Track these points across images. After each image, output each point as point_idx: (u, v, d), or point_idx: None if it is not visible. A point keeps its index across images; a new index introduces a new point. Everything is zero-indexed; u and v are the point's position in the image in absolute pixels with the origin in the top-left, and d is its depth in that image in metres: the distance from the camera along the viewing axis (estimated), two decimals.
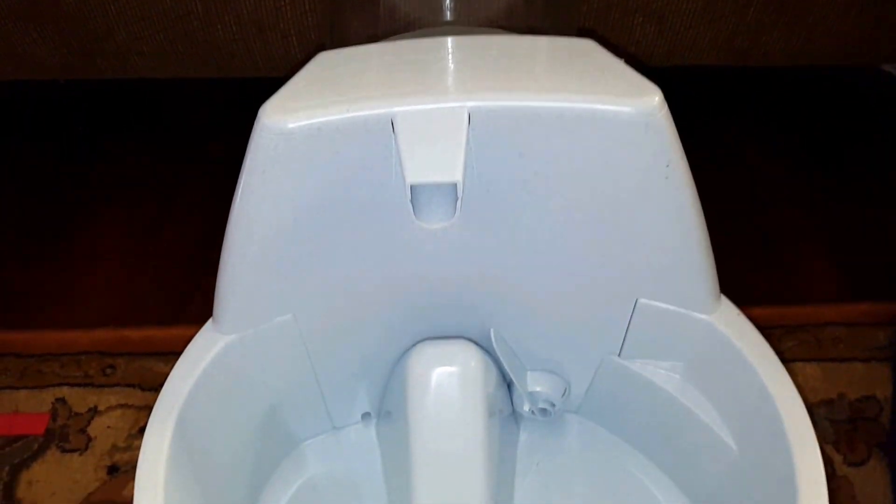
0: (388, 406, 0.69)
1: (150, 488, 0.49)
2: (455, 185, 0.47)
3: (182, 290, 0.92)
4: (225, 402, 0.59)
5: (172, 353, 0.56)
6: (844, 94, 1.12)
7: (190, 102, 1.16)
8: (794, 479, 0.48)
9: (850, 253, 0.93)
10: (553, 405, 0.71)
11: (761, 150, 1.07)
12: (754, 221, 0.97)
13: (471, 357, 0.60)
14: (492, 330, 0.64)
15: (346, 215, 0.52)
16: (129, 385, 0.82)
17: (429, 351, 0.60)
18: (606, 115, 0.47)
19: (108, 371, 0.83)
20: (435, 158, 0.46)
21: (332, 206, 0.51)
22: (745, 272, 0.89)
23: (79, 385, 0.82)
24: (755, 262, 0.92)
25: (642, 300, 0.57)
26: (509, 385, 0.71)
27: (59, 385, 0.82)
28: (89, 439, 0.77)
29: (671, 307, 0.57)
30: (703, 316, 0.56)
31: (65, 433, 0.78)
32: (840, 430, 0.75)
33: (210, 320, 0.59)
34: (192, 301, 0.91)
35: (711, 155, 1.01)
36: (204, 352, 0.56)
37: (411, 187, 0.47)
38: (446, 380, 0.59)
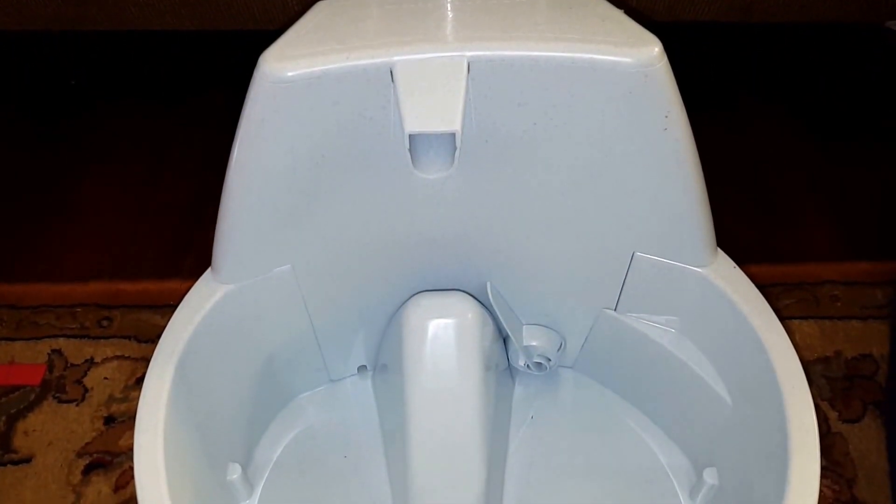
0: (384, 359, 0.70)
1: (150, 431, 0.50)
2: (454, 135, 0.47)
3: (177, 245, 0.92)
4: (224, 351, 0.59)
5: (168, 306, 0.56)
6: (846, 51, 1.12)
7: (185, 56, 1.14)
8: (786, 429, 0.48)
9: (850, 212, 0.93)
10: (548, 360, 0.72)
11: (762, 108, 1.06)
12: (754, 179, 0.97)
13: (468, 309, 0.60)
14: (488, 283, 0.64)
15: (344, 165, 0.52)
16: (125, 337, 0.82)
17: (425, 302, 0.60)
18: (605, 65, 0.46)
19: (105, 323, 0.83)
20: (434, 107, 0.46)
21: (330, 156, 0.51)
22: (743, 230, 0.89)
23: (75, 336, 0.82)
24: (754, 219, 0.92)
25: (639, 253, 0.58)
26: (505, 340, 0.71)
27: (55, 336, 0.83)
28: (86, 390, 0.78)
29: (667, 261, 0.57)
30: (698, 269, 0.56)
31: (61, 384, 0.78)
32: (836, 387, 0.76)
33: (209, 270, 0.59)
34: (188, 255, 0.90)
35: (711, 112, 1.00)
36: (203, 300, 0.57)
37: (410, 136, 0.46)
38: (443, 331, 0.59)
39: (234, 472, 0.62)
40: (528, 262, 0.62)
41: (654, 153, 0.50)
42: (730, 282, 0.55)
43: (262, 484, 0.67)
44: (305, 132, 0.49)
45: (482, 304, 0.62)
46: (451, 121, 0.45)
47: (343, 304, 0.64)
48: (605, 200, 0.54)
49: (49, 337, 0.83)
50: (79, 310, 0.85)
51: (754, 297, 0.55)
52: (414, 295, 0.61)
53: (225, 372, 0.61)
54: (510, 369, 0.74)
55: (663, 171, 0.50)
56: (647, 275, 0.59)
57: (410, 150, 0.48)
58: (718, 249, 0.57)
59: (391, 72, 0.47)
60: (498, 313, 0.64)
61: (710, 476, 0.60)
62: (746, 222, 0.91)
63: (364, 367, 0.75)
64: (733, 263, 0.56)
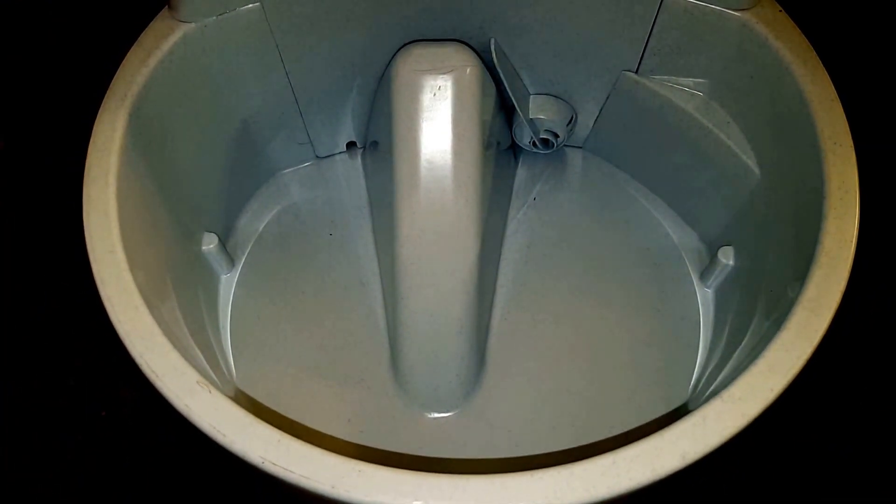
0: (375, 134, 0.63)
1: (101, 180, 0.44)
2: None
3: None
4: (190, 104, 0.52)
5: None
6: None
7: None
8: (822, 191, 0.42)
9: None
10: (556, 136, 0.65)
11: None
12: None
13: (467, 61, 0.52)
14: (492, 40, 0.56)
15: None
16: None
17: (417, 52, 0.52)
18: None
19: None
20: None
21: None
22: None
23: None
24: None
25: None
26: (509, 114, 0.64)
27: None
28: None
29: (702, 3, 0.48)
30: (738, 13, 0.48)
31: None
32: None
33: (165, 8, 0.51)
34: None
35: None
36: (159, 40, 0.49)
37: None
38: (438, 88, 0.51)
39: (210, 243, 0.57)
40: (540, 8, 0.53)
41: None
42: (773, 27, 0.47)
43: (243, 259, 0.62)
44: None
45: (484, 62, 0.55)
46: None
47: (324, 58, 0.57)
48: None
49: None
50: None
51: (800, 45, 0.47)
52: (405, 44, 0.53)
53: (192, 130, 0.54)
54: (514, 149, 0.67)
55: None
56: (677, 23, 0.50)
57: None
58: None
59: None
60: (502, 76, 0.56)
61: (724, 255, 0.55)
62: None
63: (353, 143, 0.68)
64: (779, 7, 0.48)
